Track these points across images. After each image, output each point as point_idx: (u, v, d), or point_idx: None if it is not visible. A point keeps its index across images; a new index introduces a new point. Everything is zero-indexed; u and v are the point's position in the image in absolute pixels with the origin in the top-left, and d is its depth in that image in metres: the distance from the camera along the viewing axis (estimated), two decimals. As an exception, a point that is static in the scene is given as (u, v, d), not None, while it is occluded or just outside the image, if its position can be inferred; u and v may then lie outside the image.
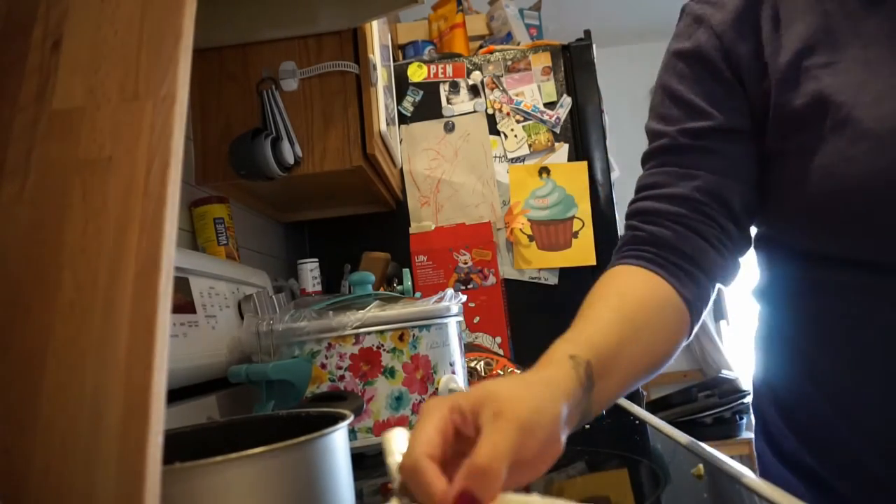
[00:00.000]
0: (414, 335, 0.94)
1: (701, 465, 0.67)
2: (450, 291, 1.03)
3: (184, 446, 0.55)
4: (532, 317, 1.86)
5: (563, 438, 0.48)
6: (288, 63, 1.35)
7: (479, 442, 0.42)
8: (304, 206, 1.78)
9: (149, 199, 0.43)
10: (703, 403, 3.00)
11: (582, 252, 1.86)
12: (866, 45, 0.63)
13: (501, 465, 0.41)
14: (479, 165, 1.91)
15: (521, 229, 1.87)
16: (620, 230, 1.90)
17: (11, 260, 0.43)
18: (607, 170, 1.90)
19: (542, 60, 1.93)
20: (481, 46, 2.17)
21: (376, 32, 1.44)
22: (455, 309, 1.01)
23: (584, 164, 1.89)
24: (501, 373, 1.35)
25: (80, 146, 0.46)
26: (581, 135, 1.91)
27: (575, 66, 1.93)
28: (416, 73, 1.93)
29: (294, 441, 0.47)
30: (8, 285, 0.42)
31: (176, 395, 0.94)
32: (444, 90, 1.93)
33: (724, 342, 3.52)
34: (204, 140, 1.35)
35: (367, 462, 0.89)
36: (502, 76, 1.93)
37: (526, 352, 1.83)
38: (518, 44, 2.11)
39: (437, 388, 0.95)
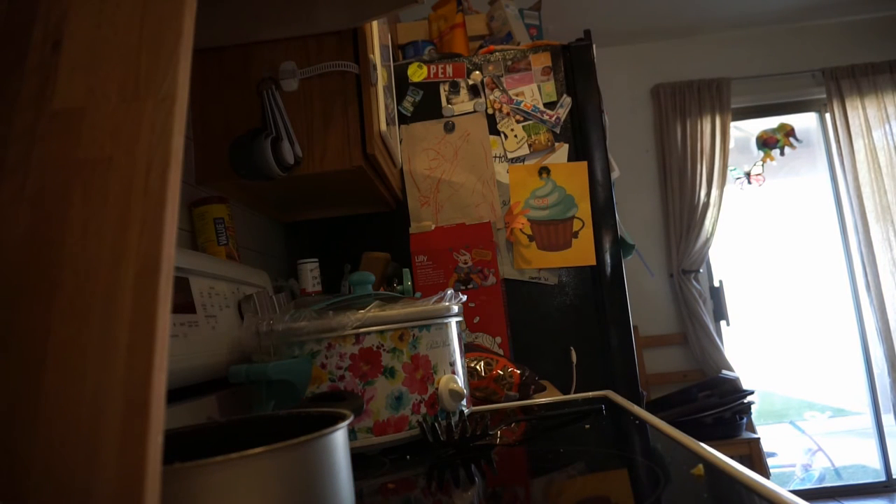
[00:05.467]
0: (414, 335, 0.94)
1: (701, 465, 0.67)
2: (450, 291, 1.03)
3: (184, 446, 0.55)
4: (532, 317, 1.86)
5: None
6: (288, 63, 1.35)
7: None
8: (304, 206, 1.78)
9: (149, 199, 0.43)
10: (703, 403, 3.00)
11: (582, 252, 1.86)
12: None
13: None
14: (479, 165, 1.91)
15: (521, 229, 1.87)
16: (620, 230, 1.91)
17: (11, 260, 0.43)
18: (607, 170, 1.90)
19: (542, 60, 1.93)
20: (481, 46, 2.17)
21: (376, 32, 1.44)
22: (455, 309, 1.01)
23: (584, 164, 1.89)
24: (501, 373, 1.35)
25: (80, 146, 0.46)
26: (581, 135, 1.91)
27: (575, 66, 1.93)
28: (416, 73, 1.93)
29: (294, 441, 0.47)
30: (8, 285, 0.42)
31: (176, 395, 0.94)
32: (444, 90, 1.93)
33: (724, 342, 3.52)
34: (204, 140, 1.35)
35: (367, 462, 0.89)
36: (502, 76, 1.93)
37: (526, 352, 1.83)
38: (518, 44, 2.11)
39: (437, 388, 0.95)
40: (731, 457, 0.69)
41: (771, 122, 3.80)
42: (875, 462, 3.58)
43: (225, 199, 1.33)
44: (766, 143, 3.78)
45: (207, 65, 1.37)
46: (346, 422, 0.52)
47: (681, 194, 3.56)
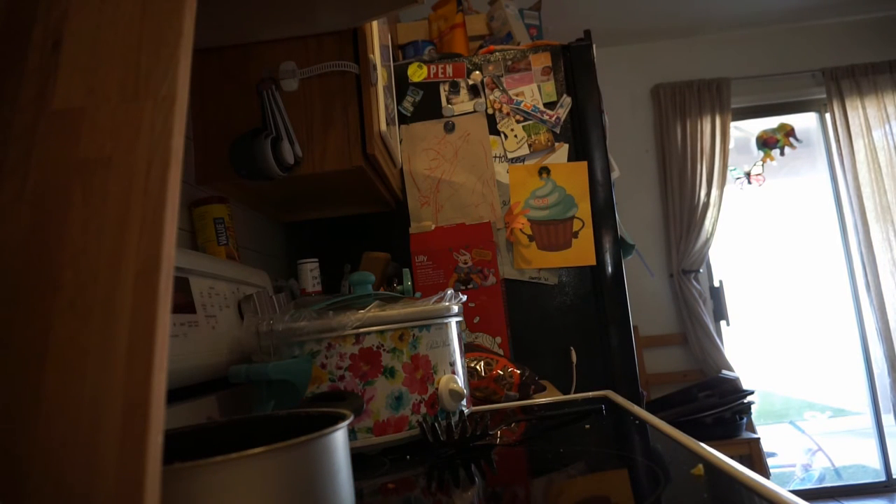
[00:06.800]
0: (414, 335, 0.94)
1: (701, 465, 0.67)
2: (450, 291, 1.03)
3: (184, 446, 0.55)
4: (532, 317, 1.86)
5: None
6: (288, 63, 1.35)
7: None
8: (304, 206, 1.79)
9: (149, 199, 0.43)
10: (703, 403, 3.00)
11: (582, 252, 1.86)
12: None
13: None
14: (479, 165, 1.91)
15: (521, 229, 1.87)
16: (620, 230, 1.91)
17: (12, 260, 0.43)
18: (607, 170, 1.90)
19: (542, 60, 1.93)
20: (481, 46, 2.17)
21: (376, 32, 1.44)
22: (455, 309, 1.01)
23: (584, 164, 1.89)
24: (501, 373, 1.35)
25: (80, 146, 0.46)
26: (581, 135, 1.91)
27: (575, 66, 1.93)
28: (416, 73, 1.93)
29: (294, 441, 0.47)
30: (8, 285, 0.42)
31: (176, 395, 0.94)
32: (444, 90, 1.93)
33: (724, 342, 3.52)
34: (204, 140, 1.35)
35: (367, 462, 0.89)
36: (502, 76, 1.93)
37: (526, 352, 1.83)
38: (518, 44, 2.11)
39: (437, 388, 0.95)
40: (731, 457, 0.69)
41: (771, 122, 3.80)
42: (875, 462, 3.58)
43: (225, 199, 1.33)
44: (766, 143, 3.78)
45: (207, 65, 1.37)
46: (346, 422, 0.52)
47: (681, 194, 3.56)
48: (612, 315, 1.85)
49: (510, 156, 1.91)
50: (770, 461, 3.18)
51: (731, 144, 3.61)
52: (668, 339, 3.58)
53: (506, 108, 1.92)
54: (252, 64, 1.36)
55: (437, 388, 0.95)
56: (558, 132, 1.91)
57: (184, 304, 0.99)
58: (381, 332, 0.92)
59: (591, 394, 1.29)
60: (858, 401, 3.69)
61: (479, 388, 1.34)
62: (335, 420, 0.53)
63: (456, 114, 1.92)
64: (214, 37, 1.33)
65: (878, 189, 3.57)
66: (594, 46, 1.96)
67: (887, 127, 3.60)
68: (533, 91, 1.92)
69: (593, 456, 0.81)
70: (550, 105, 1.92)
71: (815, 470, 3.59)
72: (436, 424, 0.90)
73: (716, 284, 3.64)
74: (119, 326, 0.40)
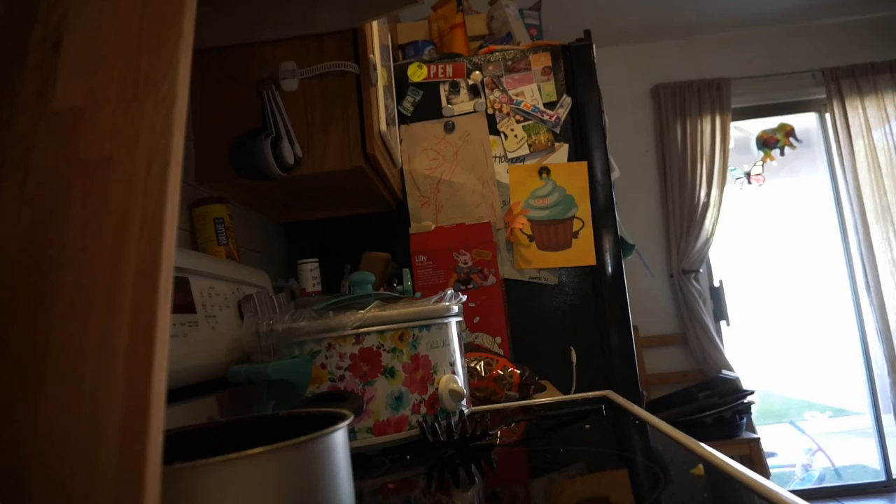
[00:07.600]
0: (414, 335, 0.94)
1: (701, 465, 0.67)
2: (450, 291, 1.02)
3: (184, 446, 0.55)
4: (532, 317, 1.86)
5: None
6: (288, 63, 1.35)
7: None
8: (304, 206, 1.78)
9: (149, 199, 0.43)
10: (703, 403, 3.00)
11: (582, 252, 1.86)
12: None
13: None
14: (479, 165, 1.91)
15: (521, 229, 1.87)
16: (620, 230, 1.91)
17: (11, 260, 0.43)
18: (607, 170, 1.90)
19: (542, 60, 1.93)
20: (481, 46, 2.17)
21: (376, 32, 1.44)
22: (455, 309, 1.01)
23: (584, 164, 1.89)
24: (501, 373, 1.35)
25: (80, 146, 0.46)
26: (581, 135, 1.91)
27: (575, 66, 1.93)
28: (416, 73, 1.93)
29: (294, 441, 0.47)
30: (8, 285, 0.42)
31: (176, 395, 0.94)
32: (444, 90, 1.93)
33: (724, 342, 3.52)
34: (204, 140, 1.35)
35: (367, 462, 0.89)
36: (502, 76, 1.93)
37: (526, 352, 1.83)
38: (518, 44, 2.11)
39: (437, 388, 0.95)
40: (731, 457, 0.69)
41: (771, 122, 3.80)
42: (875, 462, 3.58)
43: (225, 199, 1.33)
44: (766, 143, 3.78)
45: (207, 65, 1.37)
46: (346, 422, 0.52)
47: (681, 194, 3.56)
48: (612, 315, 1.85)
49: (510, 156, 1.91)
50: (770, 461, 3.18)
51: (731, 144, 3.61)
52: (668, 339, 3.58)
53: (506, 108, 1.92)
54: (252, 64, 1.36)
55: (437, 388, 0.95)
56: (558, 132, 1.91)
57: (184, 304, 0.99)
58: (381, 332, 0.92)
59: (591, 394, 1.29)
60: (858, 401, 3.68)
61: (479, 388, 1.34)
62: (335, 420, 0.53)
63: (456, 114, 1.92)
64: (214, 37, 1.33)
65: (878, 189, 3.57)
66: (594, 46, 1.96)
67: (887, 127, 3.60)
68: (533, 91, 1.92)
69: (593, 456, 0.81)
70: (550, 105, 1.92)
71: (815, 470, 3.59)
72: (436, 424, 0.90)
73: (716, 284, 3.64)
74: (119, 326, 0.40)
